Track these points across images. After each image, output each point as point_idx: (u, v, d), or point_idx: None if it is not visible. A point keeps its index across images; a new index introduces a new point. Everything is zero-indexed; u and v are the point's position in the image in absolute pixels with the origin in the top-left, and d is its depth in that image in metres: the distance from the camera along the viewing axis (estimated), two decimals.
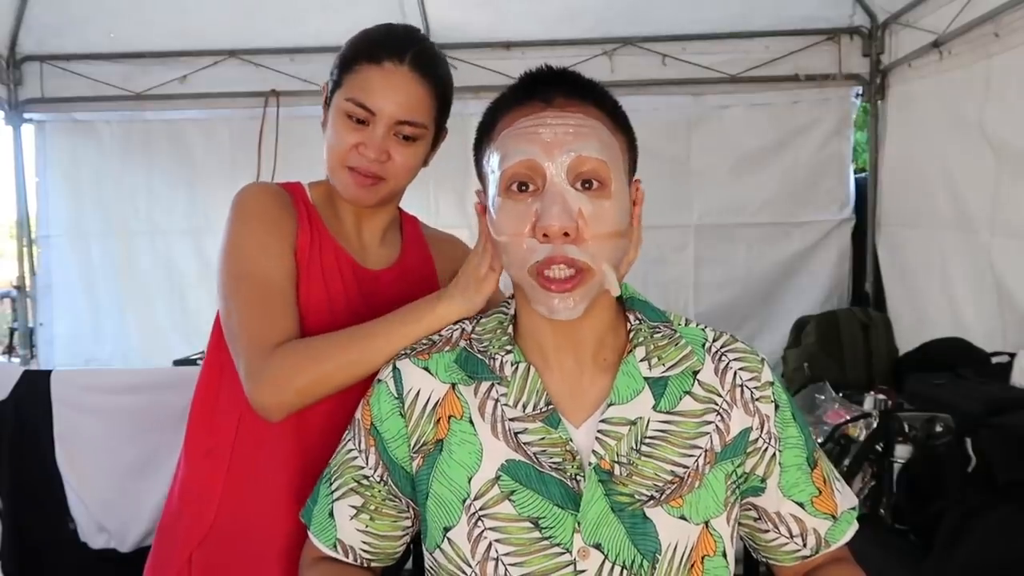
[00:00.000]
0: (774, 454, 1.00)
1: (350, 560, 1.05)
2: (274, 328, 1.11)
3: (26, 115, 3.99)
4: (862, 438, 2.09)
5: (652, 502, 0.93)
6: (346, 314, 1.18)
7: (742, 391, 0.99)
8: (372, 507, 1.03)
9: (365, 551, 1.05)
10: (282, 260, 1.17)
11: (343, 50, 1.21)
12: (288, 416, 1.10)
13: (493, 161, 0.95)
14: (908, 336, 3.26)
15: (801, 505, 1.02)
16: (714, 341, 1.02)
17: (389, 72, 1.15)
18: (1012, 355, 2.44)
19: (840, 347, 3.28)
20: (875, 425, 2.11)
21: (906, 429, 1.93)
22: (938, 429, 1.90)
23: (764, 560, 1.09)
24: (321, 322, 1.16)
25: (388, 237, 1.33)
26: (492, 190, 0.95)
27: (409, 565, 1.53)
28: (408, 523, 1.05)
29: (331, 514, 1.04)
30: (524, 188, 0.92)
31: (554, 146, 0.90)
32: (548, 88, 0.95)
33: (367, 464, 1.03)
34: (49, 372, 2.54)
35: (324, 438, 1.15)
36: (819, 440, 2.09)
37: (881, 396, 2.33)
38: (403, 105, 1.16)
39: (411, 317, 1.08)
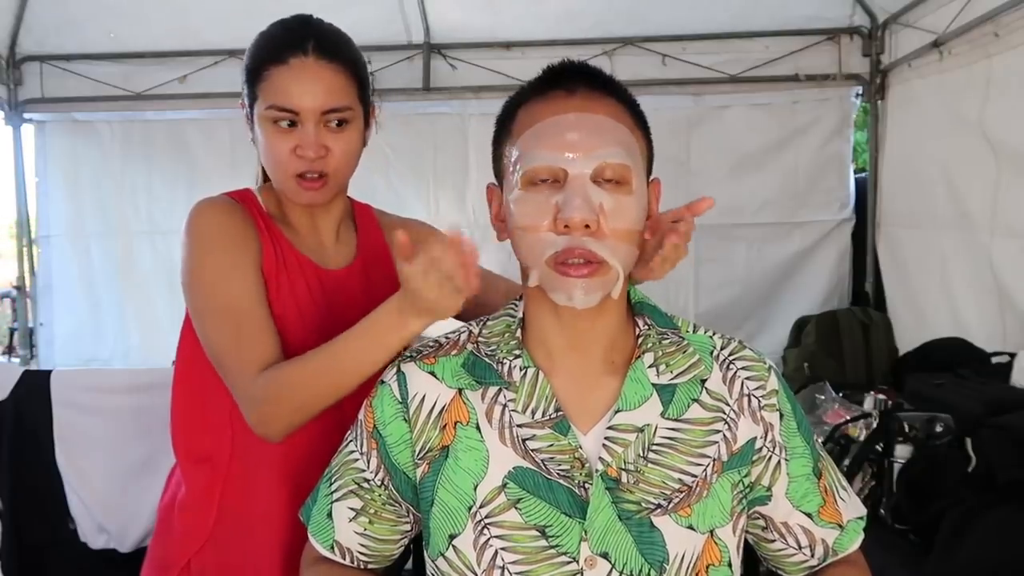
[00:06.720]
0: (779, 463, 0.99)
1: (347, 562, 1.04)
2: (253, 356, 1.10)
3: (26, 115, 3.99)
4: (862, 438, 2.09)
5: (659, 510, 0.92)
6: (316, 320, 1.17)
7: (749, 400, 0.98)
8: (371, 510, 1.02)
9: (362, 553, 1.04)
10: (249, 281, 1.15)
11: (246, 61, 1.18)
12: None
13: (513, 158, 0.95)
14: (908, 336, 3.26)
15: (809, 516, 1.01)
16: (722, 349, 1.01)
17: (297, 68, 1.13)
18: (1012, 355, 2.44)
19: (840, 347, 3.29)
20: (875, 425, 2.11)
21: (906, 429, 1.93)
22: (938, 429, 1.90)
23: (771, 568, 1.09)
24: (295, 332, 1.15)
25: (343, 231, 1.30)
26: (510, 183, 0.95)
27: (409, 565, 1.53)
28: (407, 527, 1.04)
29: (329, 515, 1.04)
30: (545, 179, 0.92)
31: (577, 149, 0.90)
32: (571, 80, 0.95)
33: (368, 467, 1.02)
34: (49, 372, 2.53)
35: (318, 447, 1.15)
36: (819, 440, 2.09)
37: (881, 396, 2.33)
38: (322, 95, 1.13)
39: (369, 332, 1.03)
